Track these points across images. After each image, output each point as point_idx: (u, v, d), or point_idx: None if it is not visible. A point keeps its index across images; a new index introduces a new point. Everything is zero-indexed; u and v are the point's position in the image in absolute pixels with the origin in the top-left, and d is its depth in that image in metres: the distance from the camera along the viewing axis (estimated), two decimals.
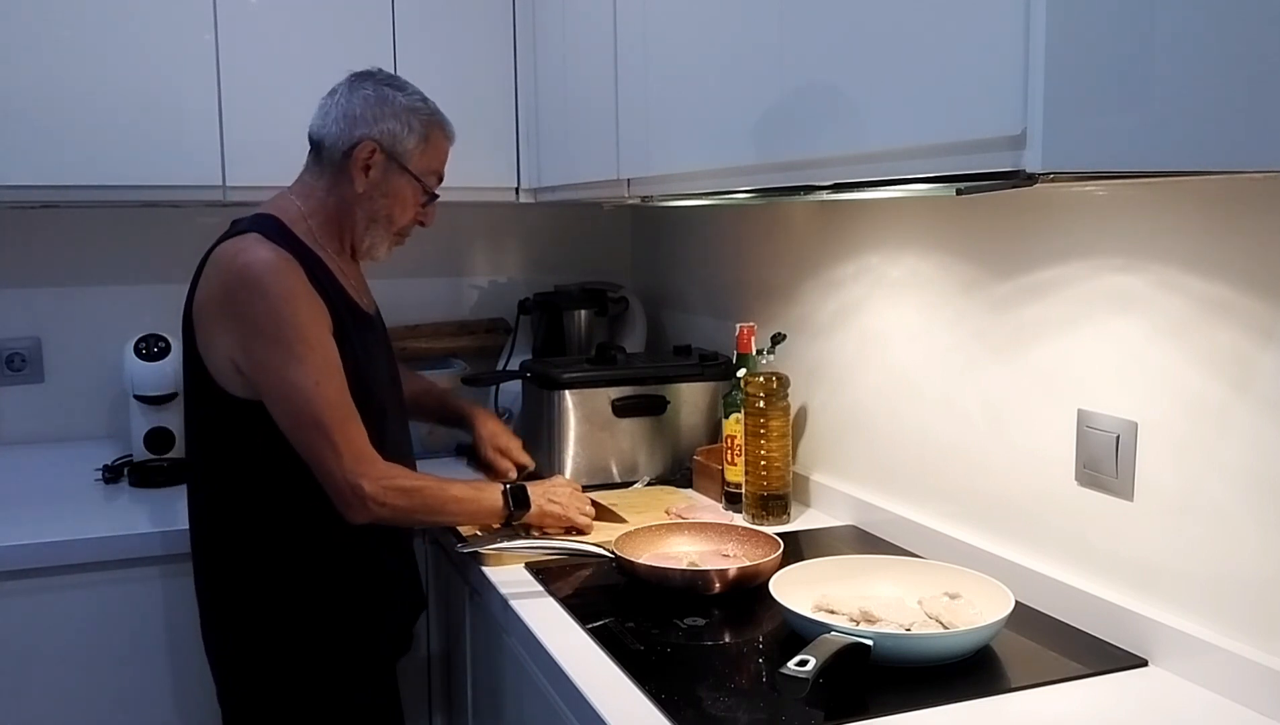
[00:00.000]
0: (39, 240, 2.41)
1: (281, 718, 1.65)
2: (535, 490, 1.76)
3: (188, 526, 1.70)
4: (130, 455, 2.26)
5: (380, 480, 1.55)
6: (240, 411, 1.57)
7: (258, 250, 1.55)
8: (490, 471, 1.94)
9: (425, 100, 1.70)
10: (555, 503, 1.77)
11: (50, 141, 2.04)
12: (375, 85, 1.66)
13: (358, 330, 1.65)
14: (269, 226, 1.60)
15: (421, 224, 1.74)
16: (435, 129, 1.69)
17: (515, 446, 1.95)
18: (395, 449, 1.67)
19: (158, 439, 2.21)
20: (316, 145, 1.68)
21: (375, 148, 1.64)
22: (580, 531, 1.79)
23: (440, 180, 1.74)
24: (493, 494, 1.71)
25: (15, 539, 1.86)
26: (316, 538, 1.61)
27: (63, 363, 2.44)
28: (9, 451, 2.38)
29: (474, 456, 1.99)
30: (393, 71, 2.20)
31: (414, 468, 1.75)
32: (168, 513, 1.97)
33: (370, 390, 1.63)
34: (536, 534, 1.76)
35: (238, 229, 1.61)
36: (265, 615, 1.62)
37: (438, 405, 2.03)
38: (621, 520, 1.85)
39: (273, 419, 1.54)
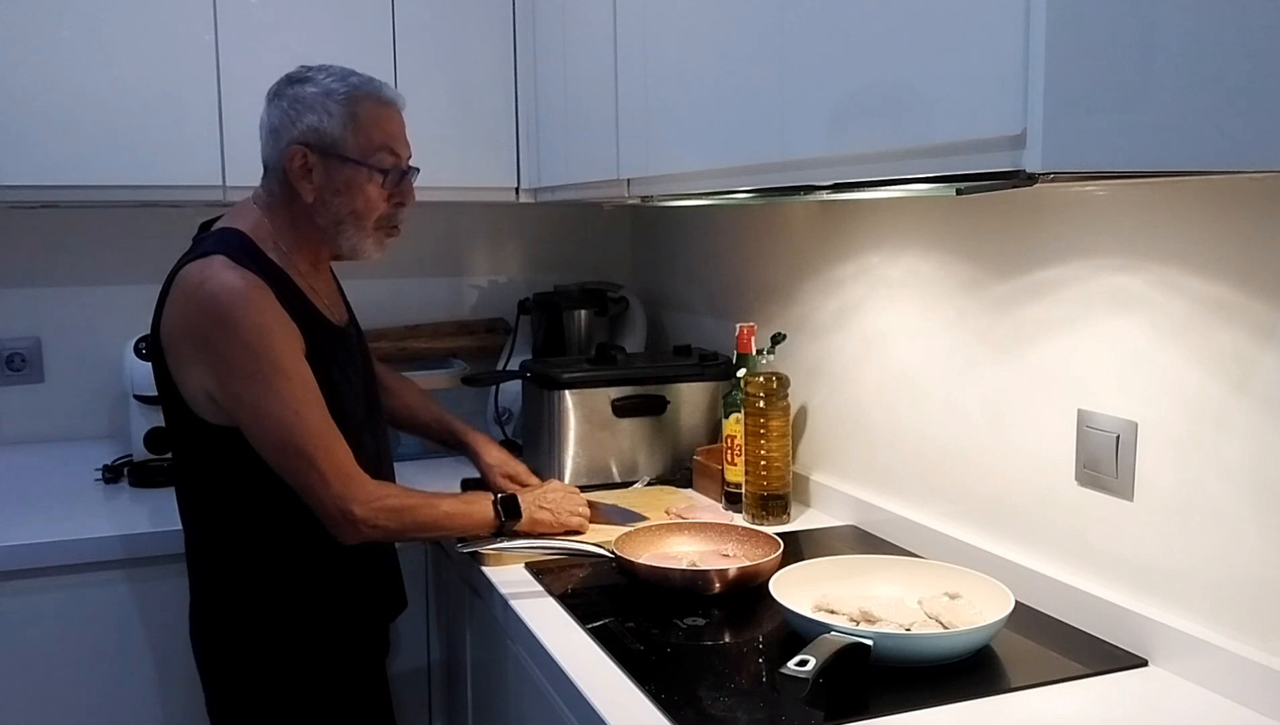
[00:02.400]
0: (39, 240, 2.41)
1: (269, 718, 1.64)
2: (526, 497, 1.75)
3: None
4: (130, 455, 2.26)
5: (370, 502, 1.53)
6: (215, 436, 1.55)
7: (225, 276, 1.49)
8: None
9: (344, 78, 1.58)
10: (545, 508, 1.76)
11: (50, 141, 2.04)
12: (289, 86, 1.58)
13: (331, 347, 1.62)
14: (234, 245, 1.54)
15: (401, 205, 1.64)
16: (361, 103, 1.57)
17: (522, 471, 1.93)
18: (375, 462, 1.66)
19: (158, 439, 2.21)
20: (264, 167, 1.64)
21: (304, 150, 1.55)
22: (576, 533, 1.79)
23: (397, 154, 1.61)
24: (483, 506, 1.69)
25: (15, 539, 1.86)
26: (295, 545, 1.60)
27: (63, 363, 2.44)
28: (9, 451, 2.38)
29: (481, 487, 1.98)
30: (393, 72, 2.22)
31: (394, 479, 1.74)
32: (168, 513, 1.95)
33: (346, 408, 1.61)
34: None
35: (202, 249, 1.55)
36: (249, 620, 1.61)
37: (438, 427, 1.99)
38: (641, 518, 1.85)
39: (245, 442, 1.52)
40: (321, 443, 1.51)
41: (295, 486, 1.53)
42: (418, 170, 1.67)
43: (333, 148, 1.57)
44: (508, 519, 1.70)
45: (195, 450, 1.60)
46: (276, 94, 1.60)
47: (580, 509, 1.82)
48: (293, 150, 1.56)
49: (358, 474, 1.55)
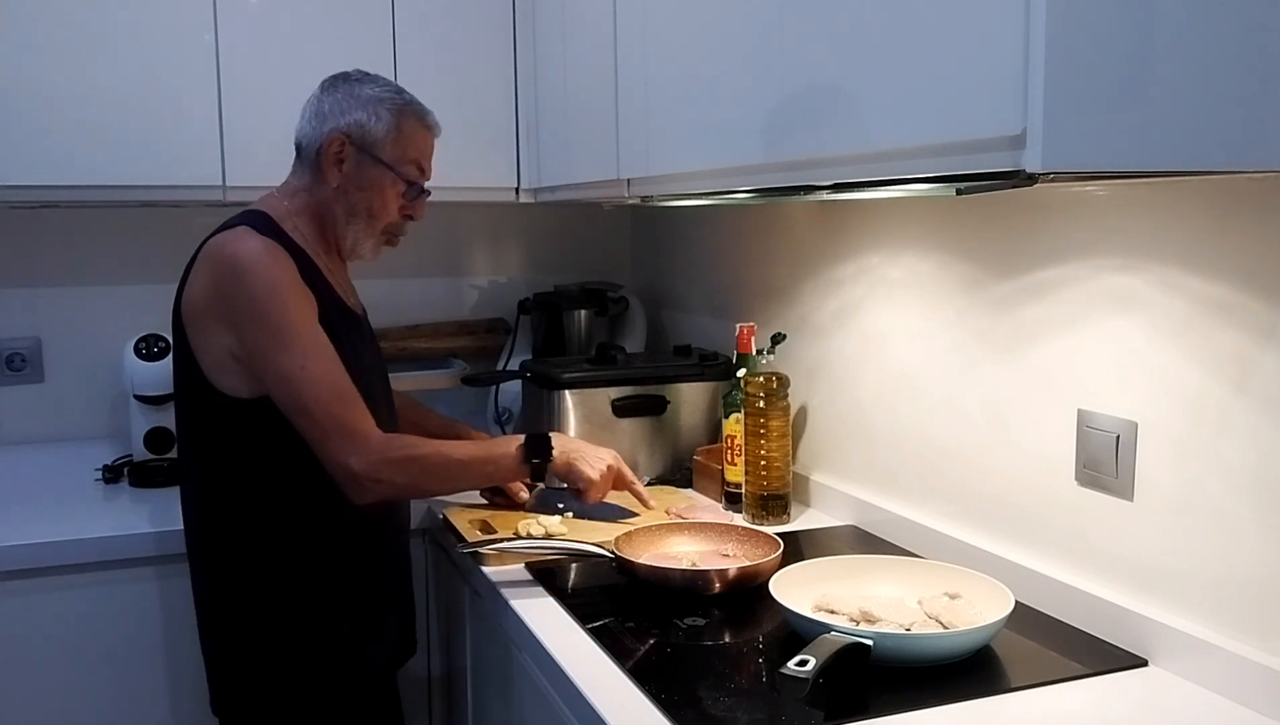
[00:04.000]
0: (39, 240, 2.41)
1: (277, 718, 1.64)
2: (558, 441, 1.71)
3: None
4: (130, 455, 2.26)
5: (371, 455, 1.53)
6: (234, 410, 1.56)
7: (248, 241, 1.56)
8: (504, 497, 1.92)
9: (400, 92, 1.70)
10: (582, 457, 1.72)
11: (50, 141, 2.04)
12: (346, 83, 1.68)
13: (345, 328, 1.64)
14: (259, 221, 1.61)
15: (410, 218, 1.73)
16: (408, 118, 1.68)
17: None
18: None
19: (158, 439, 2.21)
20: (297, 148, 1.70)
21: (344, 140, 1.65)
22: (623, 484, 1.77)
23: (423, 172, 1.72)
24: (506, 448, 1.67)
25: (15, 539, 1.86)
26: (313, 541, 1.60)
27: (63, 363, 2.44)
28: (9, 451, 2.38)
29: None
30: (393, 71, 2.22)
31: None
32: (167, 513, 1.96)
33: (364, 389, 1.61)
34: (559, 508, 1.74)
35: (227, 224, 1.61)
36: (262, 621, 1.61)
37: (446, 433, 1.97)
38: (633, 514, 1.86)
39: (265, 417, 1.54)
40: (323, 397, 1.52)
41: (310, 444, 1.54)
42: (429, 192, 1.74)
43: (370, 146, 1.66)
44: (540, 460, 1.67)
45: (213, 433, 1.60)
46: (333, 85, 1.68)
47: (611, 461, 1.76)
48: (333, 136, 1.65)
49: (363, 429, 1.54)
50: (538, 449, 1.69)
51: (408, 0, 2.24)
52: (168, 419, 2.20)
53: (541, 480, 1.70)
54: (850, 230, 1.88)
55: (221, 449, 1.60)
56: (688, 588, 1.54)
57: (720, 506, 1.99)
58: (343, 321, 1.65)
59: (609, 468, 1.77)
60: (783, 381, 1.88)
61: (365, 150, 1.65)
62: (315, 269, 1.63)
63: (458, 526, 1.82)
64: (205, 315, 1.56)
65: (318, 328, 1.56)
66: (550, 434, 1.73)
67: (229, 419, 1.57)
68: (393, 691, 1.78)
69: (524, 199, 2.38)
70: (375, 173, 1.66)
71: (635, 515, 1.87)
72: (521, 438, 1.70)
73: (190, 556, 1.68)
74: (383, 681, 1.74)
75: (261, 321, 1.52)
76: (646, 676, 1.27)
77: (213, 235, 1.61)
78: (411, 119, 1.69)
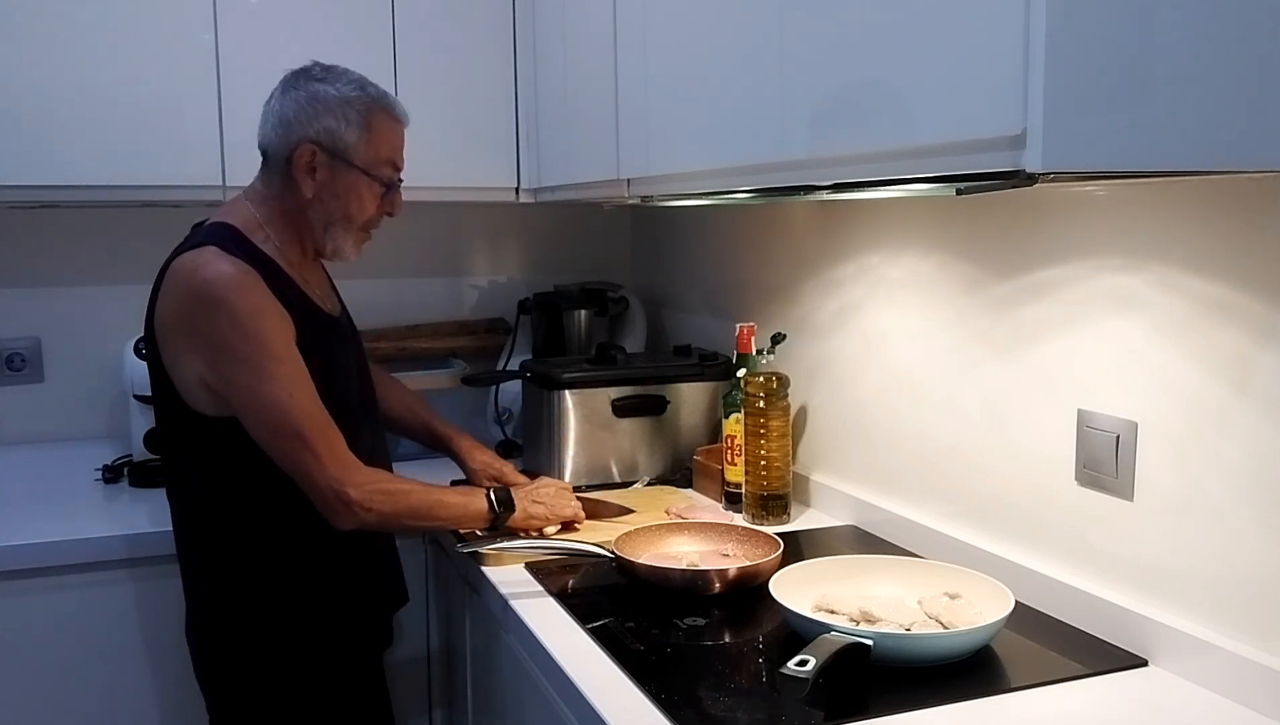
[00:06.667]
0: (39, 240, 2.41)
1: (269, 717, 1.64)
2: (519, 493, 1.76)
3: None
4: (130, 455, 2.26)
5: (365, 485, 1.54)
6: (208, 428, 1.55)
7: (217, 265, 1.51)
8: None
9: (363, 87, 1.61)
10: (539, 503, 1.78)
11: (50, 141, 2.04)
12: (307, 82, 1.59)
13: (323, 336, 1.62)
14: (226, 237, 1.56)
15: (389, 214, 1.68)
16: (377, 115, 1.61)
17: (509, 471, 1.94)
18: (370, 451, 1.66)
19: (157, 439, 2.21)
20: (263, 153, 1.64)
21: (315, 149, 1.58)
22: (568, 526, 1.79)
23: (397, 167, 1.66)
24: (478, 498, 1.71)
25: (15, 539, 1.86)
26: (295, 540, 1.60)
27: (63, 363, 2.44)
28: (9, 451, 2.38)
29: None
30: (393, 71, 2.22)
31: (390, 469, 1.74)
32: (167, 513, 1.96)
33: (341, 395, 1.61)
34: (535, 535, 1.76)
35: (194, 240, 1.57)
36: (248, 617, 1.61)
37: (423, 428, 1.99)
38: (628, 510, 1.86)
39: (242, 434, 1.52)
40: (315, 425, 1.52)
41: (290, 470, 1.53)
42: (401, 180, 1.70)
43: (343, 153, 1.59)
44: (502, 511, 1.71)
45: (190, 446, 1.60)
46: (292, 85, 1.61)
47: (573, 502, 1.83)
48: (303, 147, 1.58)
49: (353, 458, 1.55)
50: (504, 503, 1.72)
51: (408, 0, 2.24)
52: None
53: (498, 529, 1.73)
54: (850, 230, 1.88)
55: (203, 459, 1.59)
56: (688, 588, 1.54)
57: (720, 506, 1.99)
58: (319, 331, 1.62)
59: (554, 496, 1.81)
60: (783, 381, 1.88)
61: (338, 156, 1.59)
62: (287, 280, 1.59)
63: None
64: (176, 339, 1.53)
65: (298, 355, 1.54)
66: (511, 492, 1.76)
67: (203, 435, 1.56)
68: (381, 679, 1.79)
69: (524, 199, 2.38)
70: (350, 178, 1.60)
71: (631, 512, 1.88)
72: (487, 491, 1.73)
73: (180, 557, 1.68)
74: (373, 670, 1.75)
75: (240, 354, 1.49)
76: (646, 676, 1.27)
77: (179, 250, 1.57)
78: (380, 116, 1.62)
